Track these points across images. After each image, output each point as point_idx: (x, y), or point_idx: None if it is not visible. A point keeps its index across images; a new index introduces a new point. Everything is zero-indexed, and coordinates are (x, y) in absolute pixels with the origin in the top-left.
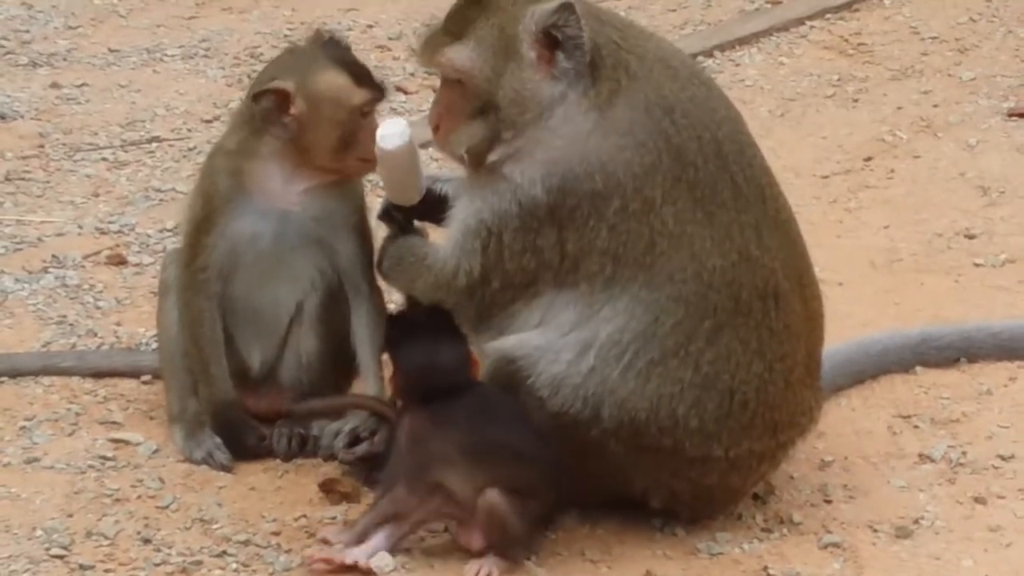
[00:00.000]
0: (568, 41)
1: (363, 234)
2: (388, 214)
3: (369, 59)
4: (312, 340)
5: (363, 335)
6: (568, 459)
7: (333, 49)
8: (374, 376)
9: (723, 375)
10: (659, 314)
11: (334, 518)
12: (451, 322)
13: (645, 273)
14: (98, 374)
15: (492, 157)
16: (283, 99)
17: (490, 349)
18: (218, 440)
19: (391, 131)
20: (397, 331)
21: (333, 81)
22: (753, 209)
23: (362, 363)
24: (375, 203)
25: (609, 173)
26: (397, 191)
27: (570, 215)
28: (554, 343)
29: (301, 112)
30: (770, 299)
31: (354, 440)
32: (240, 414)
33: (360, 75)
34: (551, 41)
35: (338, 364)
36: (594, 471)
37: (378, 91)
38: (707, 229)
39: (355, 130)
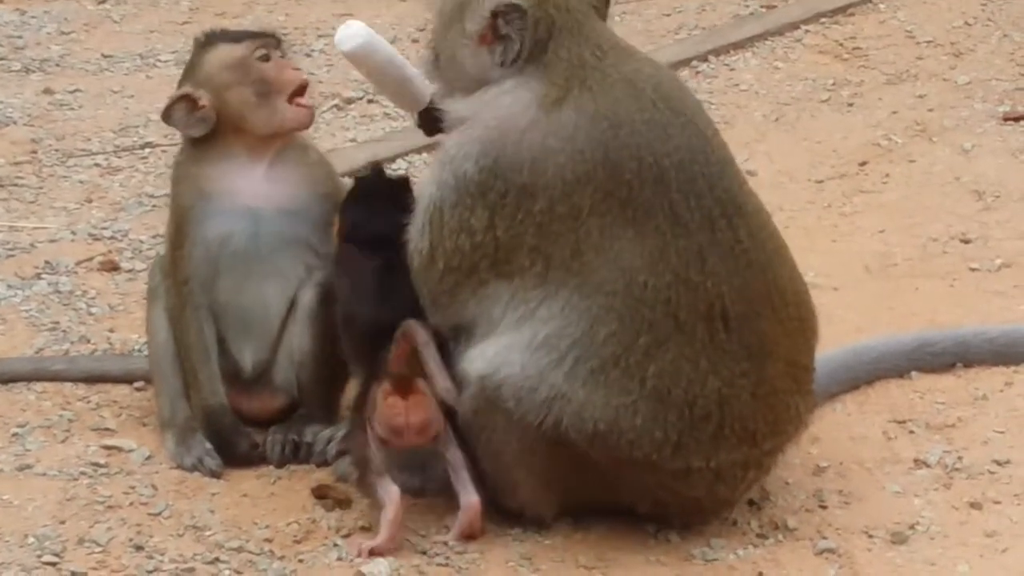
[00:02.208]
0: (507, 37)
1: None
2: (419, 122)
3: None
4: (305, 339)
5: None
6: (556, 471)
7: (211, 36)
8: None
9: (675, 389)
10: (593, 322)
11: (329, 525)
12: (405, 197)
13: (575, 278)
14: (90, 379)
15: (443, 124)
16: (189, 102)
17: (464, 375)
18: (208, 446)
19: (345, 33)
20: (355, 188)
21: (212, 56)
22: (697, 236)
23: None
24: None
25: (540, 171)
26: (395, 98)
27: (500, 200)
28: (505, 342)
29: (209, 100)
30: (717, 321)
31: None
32: (231, 420)
33: (236, 36)
34: (494, 25)
35: (332, 364)
36: (581, 483)
37: (259, 35)
38: (638, 247)
39: (262, 77)
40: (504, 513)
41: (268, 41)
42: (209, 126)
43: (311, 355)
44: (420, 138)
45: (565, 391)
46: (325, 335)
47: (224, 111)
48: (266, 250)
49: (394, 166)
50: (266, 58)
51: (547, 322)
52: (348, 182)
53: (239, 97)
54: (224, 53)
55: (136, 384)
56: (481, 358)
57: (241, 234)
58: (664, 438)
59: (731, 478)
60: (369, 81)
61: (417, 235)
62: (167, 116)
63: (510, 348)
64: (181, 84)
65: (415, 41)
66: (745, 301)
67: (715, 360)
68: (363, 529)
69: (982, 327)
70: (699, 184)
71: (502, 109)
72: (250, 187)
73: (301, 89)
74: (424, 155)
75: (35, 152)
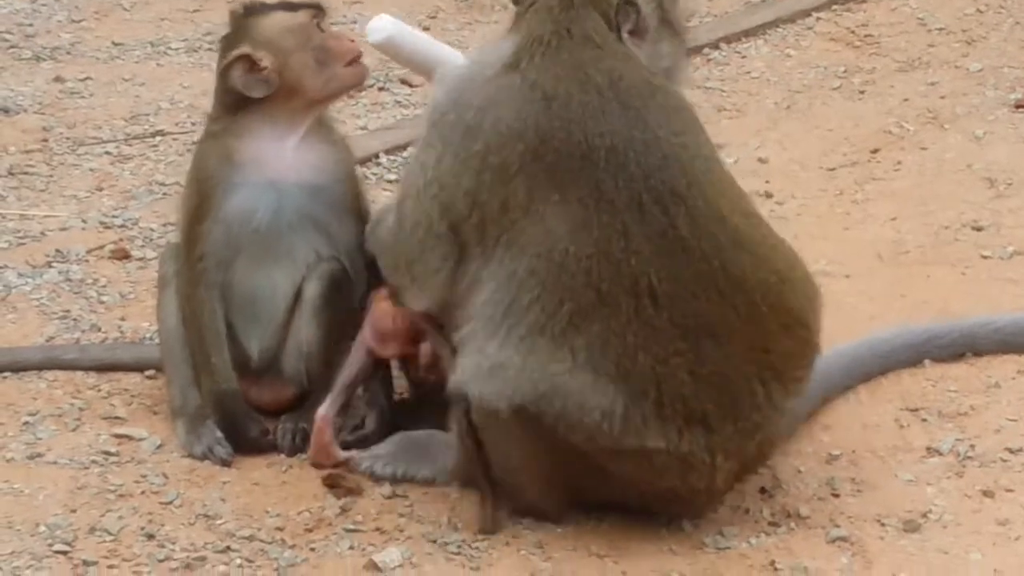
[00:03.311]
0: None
1: (359, 215)
2: None
3: (373, 53)
4: (313, 328)
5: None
6: (541, 460)
7: (256, 7)
8: None
9: (605, 362)
10: (519, 287)
11: (340, 514)
12: None
13: (506, 235)
14: (101, 367)
15: None
16: (249, 62)
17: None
18: (219, 434)
19: (374, 26)
20: None
21: (272, 20)
22: (623, 215)
23: None
24: (381, 196)
25: (483, 116)
26: (431, 80)
27: (450, 133)
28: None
29: (271, 62)
30: (644, 298)
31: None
32: (242, 406)
33: (287, 5)
34: None
35: (341, 353)
36: (566, 473)
37: (311, 6)
38: (562, 213)
39: (321, 43)
40: (518, 512)
41: (319, 12)
42: (272, 88)
43: (319, 345)
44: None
45: (502, 360)
46: (333, 325)
47: (284, 75)
48: (285, 228)
49: (405, 154)
50: (320, 27)
51: (485, 285)
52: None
53: (301, 62)
54: (285, 18)
55: (147, 372)
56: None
57: (265, 210)
58: (609, 408)
59: (700, 465)
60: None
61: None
62: (225, 75)
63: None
64: (231, 46)
65: (426, 29)
66: (677, 282)
67: (644, 336)
68: (374, 522)
69: (990, 317)
70: (631, 169)
71: (480, 58)
72: (279, 160)
73: (357, 58)
74: None
75: (46, 140)
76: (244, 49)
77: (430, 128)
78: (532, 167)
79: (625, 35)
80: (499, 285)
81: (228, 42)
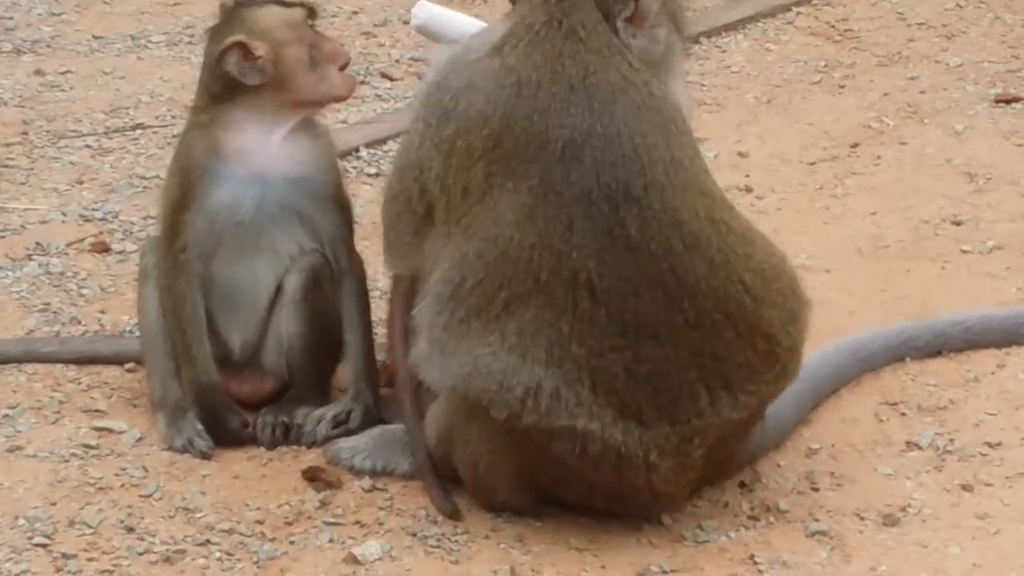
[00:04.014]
0: None
1: (342, 206)
2: None
3: (354, 46)
4: (293, 323)
5: (346, 313)
6: (494, 456)
7: (248, 2)
8: (360, 355)
9: (535, 348)
10: (466, 270)
11: (320, 507)
12: None
13: (464, 219)
14: (81, 360)
15: None
16: (244, 50)
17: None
18: (199, 427)
19: (416, 12)
20: None
21: (268, 13)
22: (570, 208)
23: (348, 341)
24: (361, 190)
25: (458, 100)
26: None
27: (430, 115)
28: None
29: (265, 52)
30: (581, 290)
31: (337, 426)
32: (223, 398)
33: (280, 2)
34: None
35: (322, 346)
36: (518, 467)
37: (304, 5)
38: (512, 201)
39: (317, 43)
40: (492, 509)
41: (312, 12)
42: (266, 77)
43: (300, 338)
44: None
45: (442, 343)
46: (314, 319)
47: (277, 67)
48: (268, 220)
49: (386, 148)
50: (314, 27)
51: (441, 264)
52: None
53: (295, 56)
54: (280, 12)
55: (127, 365)
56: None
57: (250, 202)
58: (534, 386)
59: (634, 459)
60: None
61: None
62: (220, 61)
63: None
64: (224, 34)
65: (406, 23)
66: (619, 280)
67: (580, 328)
68: (354, 515)
69: (961, 315)
70: (585, 164)
71: (472, 41)
72: (264, 153)
73: (347, 64)
74: None
75: (26, 133)
76: (240, 36)
77: (417, 108)
78: (493, 153)
79: (621, 23)
80: (451, 265)
81: (219, 32)
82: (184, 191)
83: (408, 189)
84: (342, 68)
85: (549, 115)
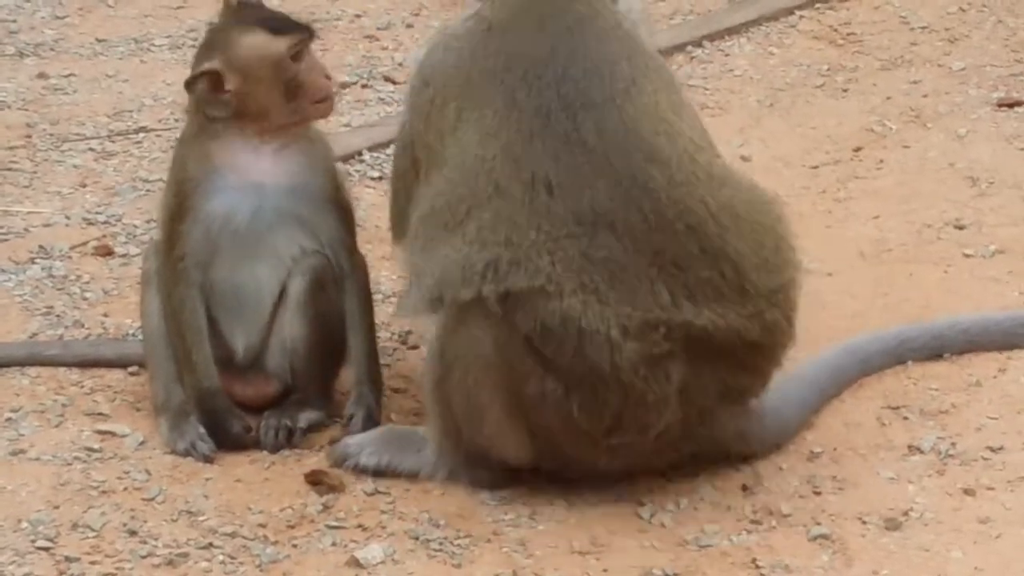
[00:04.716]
0: None
1: (342, 208)
2: None
3: (357, 49)
4: (296, 327)
5: (349, 315)
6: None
7: (247, 12)
8: (363, 357)
9: (493, 236)
10: (436, 196)
11: (322, 510)
12: None
13: (438, 160)
14: (84, 364)
15: None
16: (215, 79)
17: None
18: (202, 431)
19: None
20: None
21: (252, 42)
22: (531, 122)
23: (351, 344)
24: (364, 194)
25: (437, 67)
26: None
27: (414, 94)
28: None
29: (236, 85)
30: (539, 186)
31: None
32: (224, 403)
33: (277, 26)
34: None
35: (325, 350)
36: (506, 388)
37: (301, 31)
38: (478, 125)
39: (294, 77)
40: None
41: (305, 38)
42: (227, 112)
43: (304, 342)
44: None
45: (422, 267)
46: (317, 322)
47: (247, 100)
48: (265, 227)
49: (388, 151)
50: (299, 57)
51: (419, 205)
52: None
53: (267, 93)
54: (261, 44)
55: (130, 369)
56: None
57: (245, 210)
58: (493, 258)
59: (595, 335)
60: None
61: None
62: (190, 87)
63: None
64: (207, 53)
65: (409, 27)
66: (575, 176)
67: (537, 218)
68: (357, 519)
69: (956, 318)
70: (546, 79)
71: (449, 26)
72: (258, 162)
73: (326, 99)
74: None
75: (29, 137)
76: (215, 65)
77: (406, 90)
78: (462, 92)
79: None
80: (425, 199)
81: (206, 44)
82: (179, 202)
83: (404, 165)
84: (320, 101)
85: (516, 45)
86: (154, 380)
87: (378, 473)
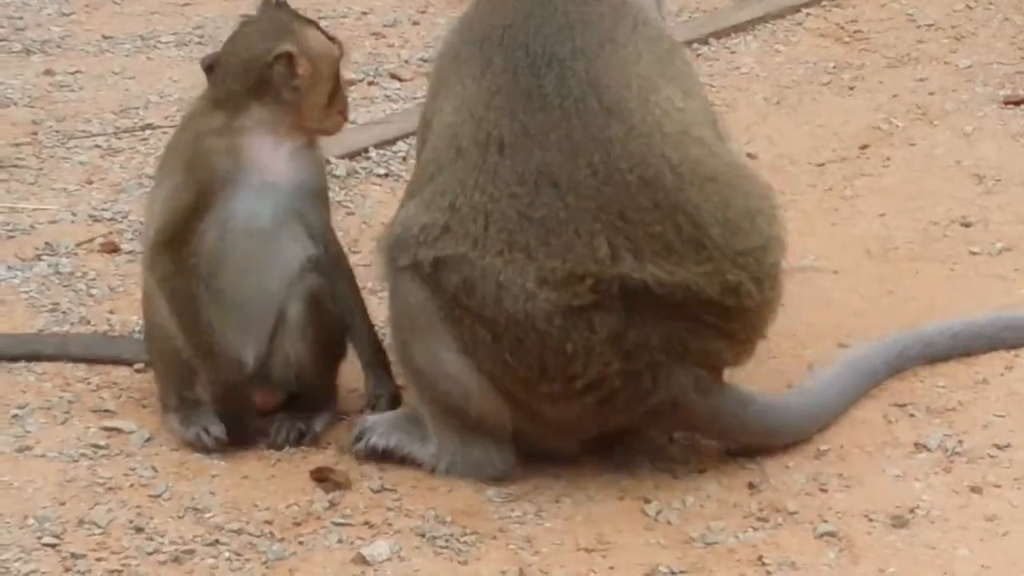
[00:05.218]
0: None
1: (326, 200)
2: None
3: (363, 46)
4: (299, 345)
5: (342, 299)
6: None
7: (290, 11)
8: (367, 341)
9: (440, 200)
10: (415, 168)
11: (328, 507)
12: None
13: (430, 140)
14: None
15: None
16: (291, 62)
17: None
18: (211, 418)
19: None
20: None
21: (319, 38)
22: (499, 79)
23: (353, 330)
24: (370, 191)
25: (440, 53)
26: None
27: (432, 69)
28: None
29: (306, 72)
30: (492, 147)
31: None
32: (243, 395)
33: (326, 32)
34: None
35: (329, 354)
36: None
37: (339, 44)
38: (456, 95)
39: (339, 85)
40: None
41: (342, 54)
42: (298, 98)
43: (309, 355)
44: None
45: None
46: (320, 341)
47: (309, 91)
48: (278, 227)
49: (395, 148)
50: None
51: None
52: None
53: (322, 87)
54: (325, 42)
55: (136, 366)
56: None
57: (266, 211)
58: (430, 223)
59: (514, 286)
60: None
61: None
62: (269, 68)
63: None
64: (267, 38)
65: (415, 24)
66: (527, 135)
67: (483, 180)
68: (363, 516)
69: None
70: (520, 40)
71: None
72: (276, 162)
73: (345, 113)
74: None
75: (35, 133)
76: (291, 48)
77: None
78: (451, 65)
79: None
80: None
81: (260, 31)
82: (201, 200)
83: (418, 146)
84: (340, 112)
85: (500, 13)
86: (161, 378)
87: (387, 454)
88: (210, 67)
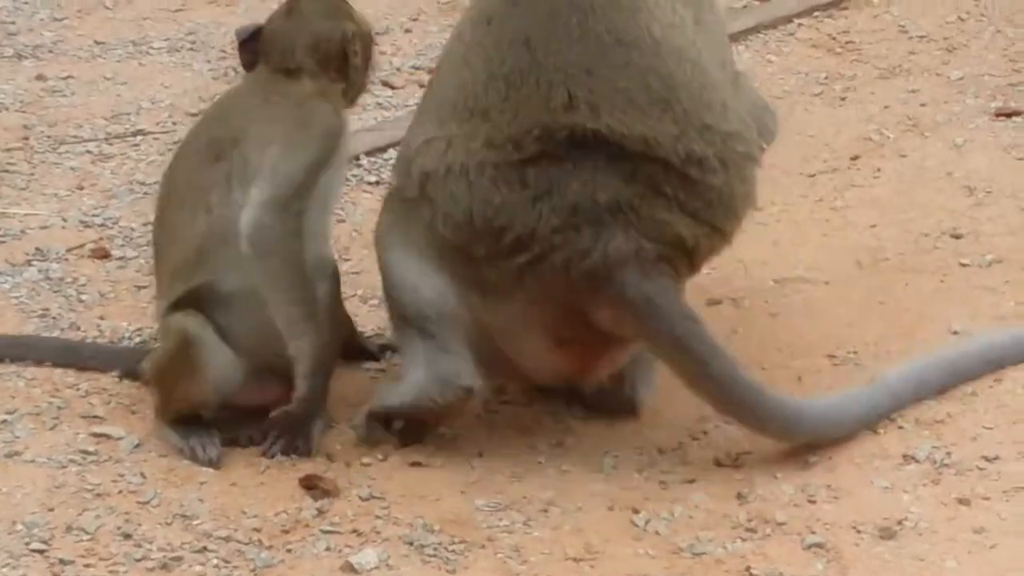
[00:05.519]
0: None
1: None
2: None
3: None
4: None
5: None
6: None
7: None
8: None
9: (427, 123)
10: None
11: (317, 515)
12: None
13: None
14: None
15: None
16: (365, 42)
17: None
18: (211, 437)
19: None
20: None
21: (364, 20)
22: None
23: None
24: (361, 198)
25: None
26: None
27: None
28: None
29: (367, 49)
30: (482, 23)
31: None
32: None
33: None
34: None
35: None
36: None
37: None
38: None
39: (370, 75)
40: None
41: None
42: (361, 76)
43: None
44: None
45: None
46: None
47: (363, 68)
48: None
49: (386, 156)
50: None
51: None
52: None
53: (368, 66)
54: (368, 23)
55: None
56: None
57: (342, 180)
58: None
59: (455, 168)
60: None
61: None
62: (346, 44)
63: None
64: (326, 19)
65: (407, 31)
66: (514, 5)
67: (470, 56)
68: (351, 523)
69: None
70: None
71: None
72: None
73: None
74: None
75: (27, 139)
76: (362, 27)
77: None
78: (470, 36)
79: None
80: None
81: (323, 10)
82: (323, 154)
83: None
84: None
85: None
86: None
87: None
88: (245, 41)
